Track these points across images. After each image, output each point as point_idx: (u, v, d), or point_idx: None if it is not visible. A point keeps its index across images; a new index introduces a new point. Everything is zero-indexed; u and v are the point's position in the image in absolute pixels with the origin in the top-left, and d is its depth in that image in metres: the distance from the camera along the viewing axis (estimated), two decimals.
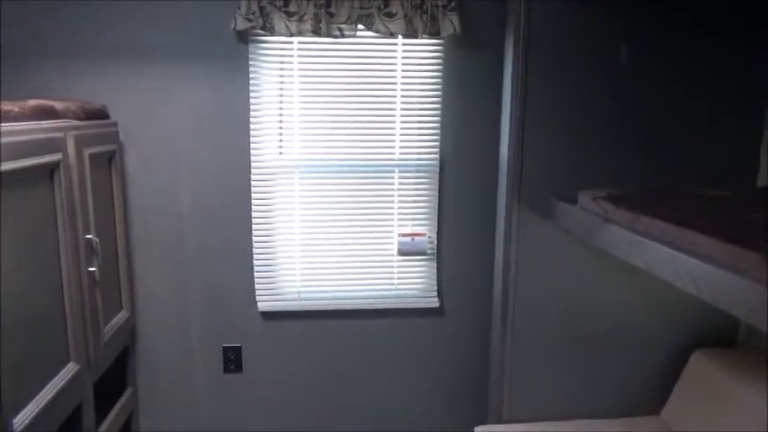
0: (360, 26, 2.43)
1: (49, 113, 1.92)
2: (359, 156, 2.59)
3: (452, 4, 2.42)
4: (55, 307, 1.84)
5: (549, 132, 2.28)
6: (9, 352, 1.53)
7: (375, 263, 2.69)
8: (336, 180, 2.61)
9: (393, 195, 2.64)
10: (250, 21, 2.38)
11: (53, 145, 1.82)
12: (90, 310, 2.05)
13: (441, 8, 2.42)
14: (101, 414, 2.20)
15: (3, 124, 1.61)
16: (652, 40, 2.26)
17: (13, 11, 2.30)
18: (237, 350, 2.66)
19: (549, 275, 2.37)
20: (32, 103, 1.84)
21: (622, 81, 2.27)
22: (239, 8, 2.36)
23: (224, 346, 2.66)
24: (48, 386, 1.76)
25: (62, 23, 2.34)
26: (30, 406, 1.64)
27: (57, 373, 1.83)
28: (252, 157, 2.55)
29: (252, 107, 2.51)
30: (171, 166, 2.50)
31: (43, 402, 1.70)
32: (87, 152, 2.05)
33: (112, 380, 2.41)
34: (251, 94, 2.51)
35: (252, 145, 2.54)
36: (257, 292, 2.64)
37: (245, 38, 2.45)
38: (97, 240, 2.08)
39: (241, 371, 2.68)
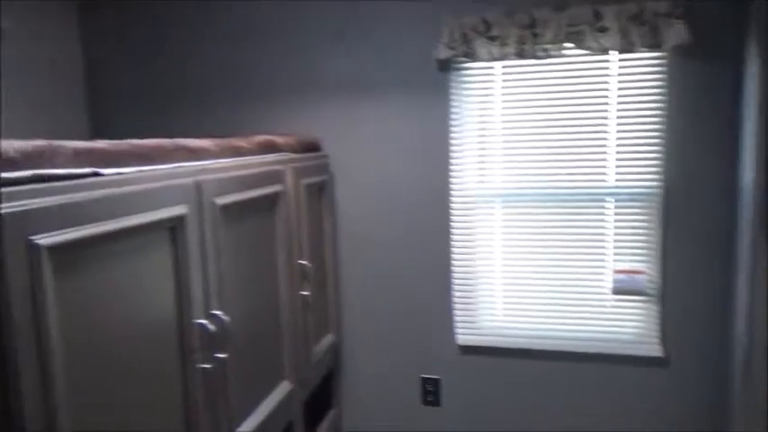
0: (567, 44, 2.27)
1: (272, 148, 2.10)
2: (566, 183, 2.41)
3: (678, 11, 2.14)
4: (273, 327, 1.98)
5: None
6: (236, 367, 1.66)
7: (585, 301, 2.45)
8: (541, 209, 2.45)
9: (606, 226, 2.40)
10: (452, 49, 2.38)
11: (276, 177, 1.98)
12: (302, 332, 2.17)
13: (663, 17, 2.16)
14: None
15: (237, 159, 1.79)
16: None
17: (246, 52, 2.60)
18: (436, 382, 2.62)
19: None
20: (259, 138, 2.02)
21: None
22: (442, 37, 2.37)
23: (422, 377, 2.63)
24: (265, 402, 1.88)
25: (282, 65, 2.58)
26: (250, 420, 1.77)
27: (272, 390, 1.95)
28: (452, 186, 2.52)
29: (452, 135, 2.49)
30: (375, 195, 2.58)
31: (261, 417, 1.82)
32: (303, 183, 2.20)
33: (319, 399, 2.53)
34: (451, 122, 2.49)
35: (452, 173, 2.51)
36: (456, 325, 2.57)
37: (446, 66, 2.45)
38: (309, 265, 2.21)
39: (439, 404, 2.62)
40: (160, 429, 1.35)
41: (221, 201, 1.60)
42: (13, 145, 1.01)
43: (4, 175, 0.96)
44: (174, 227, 1.40)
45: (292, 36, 2.56)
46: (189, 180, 1.47)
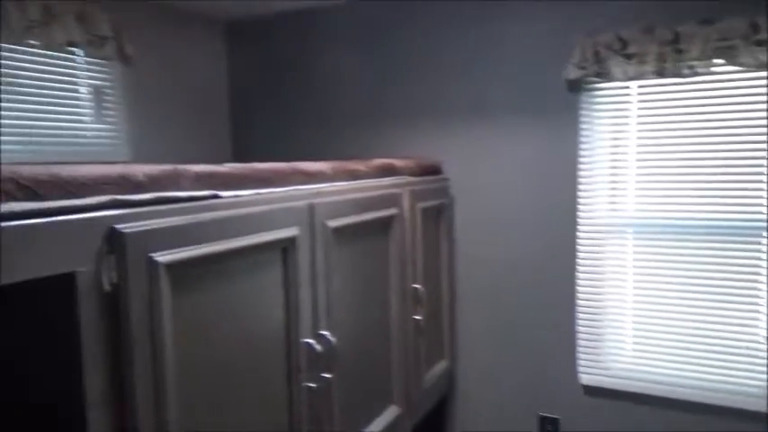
0: (717, 60, 2.05)
1: (391, 171, 2.12)
2: (711, 214, 2.15)
3: None
4: (383, 350, 1.98)
5: None
6: (342, 388, 1.67)
7: (732, 348, 2.16)
8: (680, 242, 2.21)
9: (761, 264, 2.10)
10: (583, 69, 2.25)
11: (392, 200, 1.99)
12: (413, 357, 2.15)
13: None
14: None
15: (353, 182, 1.83)
16: None
17: (373, 79, 2.67)
18: (555, 422, 2.45)
19: None
20: (377, 162, 2.05)
21: None
22: (572, 57, 2.25)
23: (540, 415, 2.47)
24: (371, 425, 1.87)
25: (409, 90, 2.61)
26: None
27: (380, 413, 1.95)
28: (579, 213, 2.36)
29: (581, 159, 2.35)
30: (496, 220, 2.50)
31: None
32: (420, 206, 2.19)
33: (430, 427, 2.48)
34: (580, 146, 2.34)
35: (579, 200, 2.36)
36: (579, 363, 2.39)
37: (576, 87, 2.32)
38: (423, 290, 2.18)
39: None
40: None
41: (334, 223, 1.63)
42: (142, 170, 1.11)
43: (131, 197, 1.05)
44: (286, 247, 1.45)
45: (419, 62, 2.58)
46: (302, 203, 1.52)
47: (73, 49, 2.21)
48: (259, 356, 1.37)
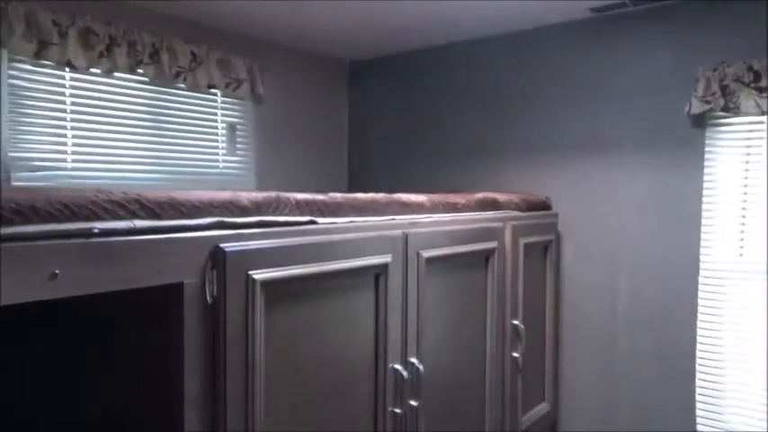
0: None
1: (492, 205, 2.13)
2: None
3: None
4: (475, 384, 1.96)
5: None
6: (429, 417, 1.69)
7: None
8: None
9: None
10: (708, 103, 2.12)
11: (491, 234, 2.00)
12: (510, 395, 2.10)
13: None
14: None
15: (451, 214, 1.87)
16: None
17: (481, 114, 2.71)
18: None
19: None
20: (478, 196, 2.07)
21: None
22: (695, 90, 2.13)
23: None
24: None
25: (519, 122, 2.61)
26: None
27: None
28: (702, 257, 2.19)
29: (705, 199, 2.19)
30: (608, 260, 2.39)
31: None
32: (523, 241, 2.17)
33: None
34: (705, 185, 2.19)
35: (702, 242, 2.19)
36: (698, 420, 2.19)
37: (700, 122, 2.19)
38: (522, 327, 2.14)
39: None
40: None
41: (428, 253, 1.68)
42: (248, 196, 1.25)
43: (235, 219, 1.19)
44: (378, 274, 1.52)
45: (531, 95, 2.58)
46: (397, 232, 1.58)
47: (213, 90, 2.50)
48: (345, 377, 1.44)
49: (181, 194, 1.11)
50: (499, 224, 2.06)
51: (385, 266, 1.53)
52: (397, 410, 1.56)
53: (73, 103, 2.08)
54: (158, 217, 1.05)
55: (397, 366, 1.56)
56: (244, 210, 1.22)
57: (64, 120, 2.06)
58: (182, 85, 2.38)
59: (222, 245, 1.13)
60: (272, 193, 1.31)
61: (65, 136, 2.07)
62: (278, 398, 1.25)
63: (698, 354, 2.20)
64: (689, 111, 2.16)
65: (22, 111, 1.96)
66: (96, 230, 0.95)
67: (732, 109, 2.08)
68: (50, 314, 1.21)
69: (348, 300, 1.45)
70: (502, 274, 2.05)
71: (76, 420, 1.22)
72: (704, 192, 2.19)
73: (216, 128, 2.57)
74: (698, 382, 2.19)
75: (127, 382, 1.17)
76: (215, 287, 1.12)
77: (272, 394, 1.23)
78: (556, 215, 2.48)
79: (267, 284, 1.20)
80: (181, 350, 1.08)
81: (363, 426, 1.50)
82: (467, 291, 1.91)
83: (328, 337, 1.39)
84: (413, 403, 1.60)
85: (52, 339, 1.24)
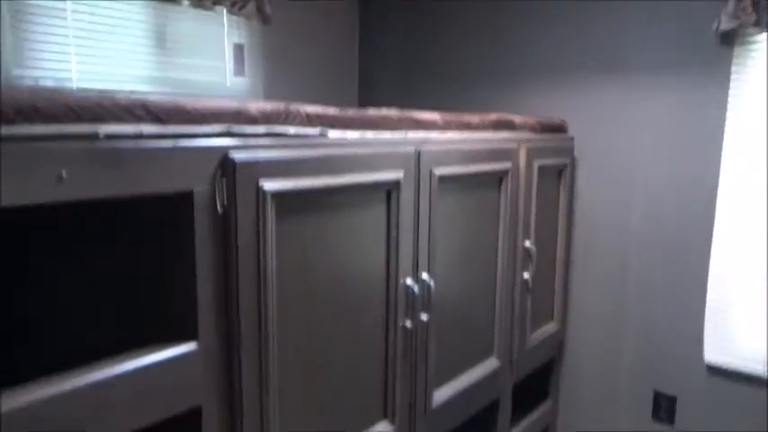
0: None
1: (508, 126, 2.07)
2: None
3: None
4: (486, 303, 1.99)
5: None
6: (439, 331, 1.72)
7: None
8: None
9: None
10: (738, 18, 2.01)
11: (505, 154, 1.96)
12: (519, 315, 2.13)
13: None
14: (517, 417, 2.27)
15: (464, 132, 1.83)
16: None
17: (495, 35, 2.61)
18: (671, 400, 2.30)
19: None
20: (493, 116, 2.02)
21: None
22: (726, 6, 2.02)
23: (656, 391, 2.34)
24: (467, 372, 1.91)
25: (534, 43, 2.51)
26: (450, 385, 1.82)
27: (478, 362, 1.97)
28: (720, 180, 2.15)
29: (728, 123, 2.12)
30: (622, 182, 2.36)
31: (462, 386, 1.86)
32: (537, 164, 2.13)
33: (534, 388, 2.45)
34: (729, 105, 2.11)
35: (723, 165, 2.14)
36: (705, 339, 2.21)
37: (728, 40, 2.08)
38: (534, 249, 2.14)
39: (672, 422, 2.31)
40: (357, 377, 1.49)
41: (440, 171, 1.65)
42: (256, 106, 1.21)
43: (244, 129, 1.16)
44: (390, 190, 1.51)
45: (544, 12, 2.47)
46: (410, 148, 1.55)
47: (218, 7, 2.41)
48: (356, 291, 1.45)
49: (188, 101, 1.08)
50: (513, 145, 2.01)
51: (397, 183, 1.51)
52: (409, 325, 1.58)
53: (75, 20, 2.02)
54: (164, 123, 1.03)
55: (409, 282, 1.57)
56: (252, 119, 1.19)
57: (66, 36, 2.01)
58: (186, 2, 2.29)
59: (231, 153, 1.11)
60: (281, 105, 1.27)
61: (68, 53, 2.02)
62: (290, 310, 1.27)
63: (709, 283, 2.19)
64: (717, 27, 2.06)
65: (24, 28, 1.90)
66: (102, 134, 0.93)
67: (765, 24, 1.98)
68: (57, 226, 1.20)
69: (360, 215, 1.44)
70: (515, 195, 2.03)
71: (83, 335, 1.24)
72: (728, 113, 2.12)
73: (222, 48, 2.49)
74: (707, 304, 2.20)
75: (137, 295, 1.18)
76: (225, 196, 1.11)
77: (285, 306, 1.25)
78: (572, 138, 2.43)
79: (278, 195, 1.19)
80: (192, 259, 1.08)
81: (375, 340, 1.52)
82: (479, 211, 1.90)
83: (340, 252, 1.39)
84: (423, 318, 1.63)
85: (58, 251, 1.24)
